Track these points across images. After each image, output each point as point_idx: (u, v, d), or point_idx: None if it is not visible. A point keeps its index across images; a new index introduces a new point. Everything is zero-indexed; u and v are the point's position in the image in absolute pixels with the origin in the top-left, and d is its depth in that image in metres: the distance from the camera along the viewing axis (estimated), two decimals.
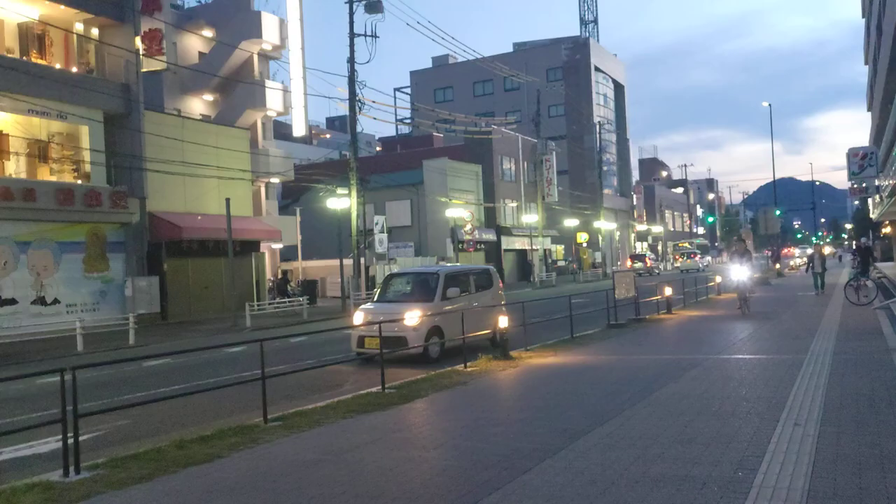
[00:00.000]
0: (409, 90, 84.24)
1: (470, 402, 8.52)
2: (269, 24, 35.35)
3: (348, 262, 31.91)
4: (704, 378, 9.11)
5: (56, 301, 24.05)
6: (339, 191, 31.10)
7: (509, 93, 76.51)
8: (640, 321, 17.38)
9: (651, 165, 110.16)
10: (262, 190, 36.51)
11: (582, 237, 69.13)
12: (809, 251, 37.48)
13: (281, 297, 31.88)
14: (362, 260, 31.46)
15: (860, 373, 8.83)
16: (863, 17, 46.94)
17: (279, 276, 35.78)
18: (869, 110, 47.32)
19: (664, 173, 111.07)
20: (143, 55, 26.49)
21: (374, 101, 31.58)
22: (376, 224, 42.83)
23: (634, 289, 17.77)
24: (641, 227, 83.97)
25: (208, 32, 35.87)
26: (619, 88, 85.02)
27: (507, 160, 57.93)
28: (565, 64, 76.15)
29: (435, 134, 63.59)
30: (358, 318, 13.38)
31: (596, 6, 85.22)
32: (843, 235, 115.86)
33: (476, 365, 11.25)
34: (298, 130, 36.05)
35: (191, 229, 27.81)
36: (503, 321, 11.83)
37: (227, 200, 24.74)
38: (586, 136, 73.80)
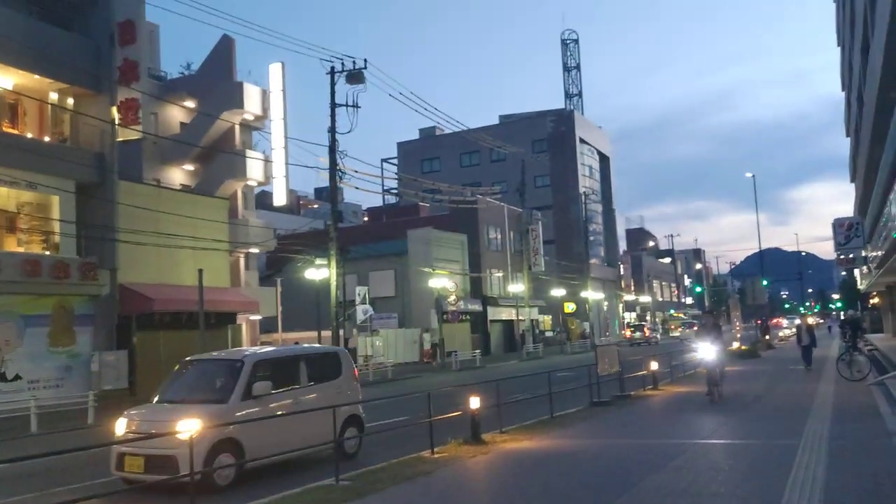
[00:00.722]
0: (396, 161, 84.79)
1: (432, 501, 7.65)
2: (251, 94, 35.31)
3: (329, 334, 31.00)
4: (690, 468, 8.30)
5: (17, 377, 22.96)
6: (318, 261, 30.44)
7: (495, 164, 76.97)
8: (625, 398, 16.53)
9: (638, 235, 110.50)
10: (242, 260, 35.80)
11: (570, 307, 68.48)
12: (798, 321, 34.57)
13: None
14: (341, 332, 30.55)
15: (860, 462, 8.05)
16: (842, 90, 47.65)
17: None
18: (852, 181, 47.55)
19: (651, 243, 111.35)
20: (118, 125, 26.13)
21: (356, 171, 31.39)
22: (358, 295, 42.14)
23: (618, 363, 16.98)
24: (629, 297, 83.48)
25: (190, 103, 35.77)
26: (604, 159, 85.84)
27: (492, 230, 57.69)
28: (550, 136, 76.98)
29: (421, 204, 63.45)
30: (120, 426, 9.48)
31: (580, 80, 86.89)
32: (831, 306, 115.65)
33: (444, 450, 10.37)
34: (279, 200, 35.63)
35: (163, 301, 26.95)
36: (474, 401, 10.99)
37: (200, 271, 23.97)
38: (572, 207, 74.01)
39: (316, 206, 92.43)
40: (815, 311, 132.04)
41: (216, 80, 35.70)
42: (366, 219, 71.86)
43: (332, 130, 30.61)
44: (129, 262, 26.81)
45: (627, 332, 65.80)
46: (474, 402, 10.99)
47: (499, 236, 58.35)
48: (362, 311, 40.94)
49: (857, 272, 58.57)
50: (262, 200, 65.08)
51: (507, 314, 55.60)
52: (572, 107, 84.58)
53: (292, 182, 33.37)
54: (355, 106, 30.62)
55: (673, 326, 77.25)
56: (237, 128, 35.81)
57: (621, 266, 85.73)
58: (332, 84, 30.62)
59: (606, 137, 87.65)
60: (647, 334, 63.19)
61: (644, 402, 16.00)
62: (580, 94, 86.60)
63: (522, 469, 8.93)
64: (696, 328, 25.62)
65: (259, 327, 39.97)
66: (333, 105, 30.57)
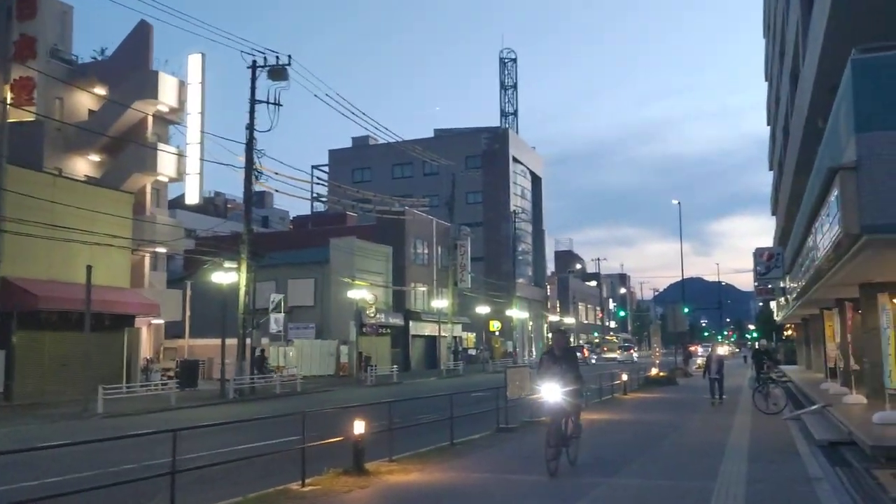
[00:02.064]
0: (327, 168, 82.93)
1: None
2: (167, 84, 33.35)
3: (235, 342, 29.14)
4: None
5: None
6: (227, 264, 28.64)
7: (428, 177, 75.94)
8: (535, 424, 15.44)
9: (566, 258, 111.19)
10: (147, 260, 33.60)
11: (494, 325, 67.80)
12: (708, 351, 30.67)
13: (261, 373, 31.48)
14: (248, 341, 28.75)
15: None
16: (767, 124, 48.51)
17: (258, 353, 33.49)
18: (773, 214, 48.31)
19: (578, 266, 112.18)
20: (10, 104, 23.96)
21: (277, 173, 29.60)
22: (273, 302, 40.26)
23: (530, 386, 15.91)
24: (554, 318, 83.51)
25: (101, 90, 33.55)
26: (536, 180, 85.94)
27: (420, 243, 56.53)
28: (484, 152, 76.53)
29: (348, 213, 61.94)
30: None
31: (517, 99, 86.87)
32: (747, 336, 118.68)
33: (318, 482, 9.04)
34: (192, 198, 33.62)
35: (48, 298, 24.74)
36: (358, 426, 9.68)
37: (88, 268, 22.00)
38: (503, 225, 73.58)
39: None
40: (732, 340, 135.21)
41: (130, 67, 33.61)
42: (290, 227, 69.84)
43: (251, 127, 29.03)
44: (16, 254, 24.58)
45: None
46: (358, 427, 9.69)
47: (426, 250, 57.21)
48: (275, 321, 39.13)
49: (773, 304, 59.75)
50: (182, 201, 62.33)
51: (429, 329, 54.42)
52: (508, 125, 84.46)
53: (220, 184, 31.11)
54: (277, 104, 29.14)
55: (606, 349, 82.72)
56: (150, 119, 33.76)
57: (548, 287, 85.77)
58: (253, 78, 29.07)
59: (539, 158, 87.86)
60: (585, 355, 67.17)
61: None
62: (516, 114, 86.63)
63: None
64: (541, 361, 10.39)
65: (164, 333, 37.73)
66: (253, 100, 29.01)
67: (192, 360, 32.21)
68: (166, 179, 34.40)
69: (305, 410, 10.14)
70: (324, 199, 71.32)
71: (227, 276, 28.37)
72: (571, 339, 67.93)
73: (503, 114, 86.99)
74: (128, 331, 29.17)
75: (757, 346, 26.42)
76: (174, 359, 34.26)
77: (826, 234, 12.37)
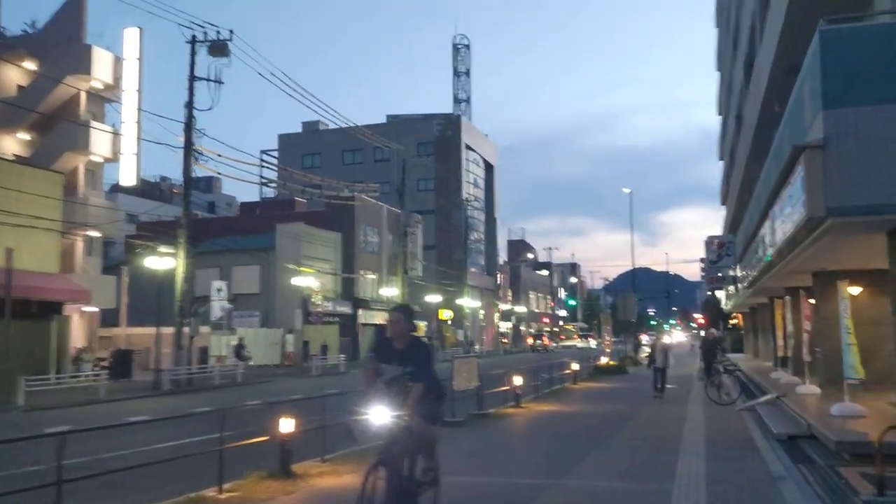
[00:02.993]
0: (276, 153, 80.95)
1: None
2: (101, 60, 31.62)
3: (172, 331, 27.76)
4: None
5: None
6: (163, 249, 27.22)
7: (379, 163, 74.69)
8: (483, 417, 14.74)
9: (518, 247, 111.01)
10: (79, 245, 31.88)
11: (445, 314, 67.11)
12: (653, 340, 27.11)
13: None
14: (185, 329, 27.41)
15: None
16: (718, 114, 48.67)
17: (237, 341, 34.26)
18: (723, 204, 48.54)
19: (530, 255, 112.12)
20: None
21: (220, 155, 28.17)
22: (218, 290, 38.83)
23: (478, 377, 15.18)
24: (505, 307, 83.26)
25: (31, 64, 31.64)
26: (489, 168, 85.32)
27: (370, 230, 55.41)
28: (437, 139, 75.57)
29: (297, 199, 60.44)
30: None
31: (469, 86, 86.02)
32: (692, 325, 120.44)
33: (238, 487, 8.09)
34: (128, 180, 31.90)
35: None
36: (286, 423, 8.73)
37: (9, 251, 20.49)
38: (454, 213, 72.80)
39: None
40: (678, 329, 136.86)
41: (62, 41, 31.79)
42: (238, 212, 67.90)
43: (190, 105, 27.56)
44: None
45: (530, 341, 77.84)
46: (286, 425, 8.75)
47: (376, 237, 56.13)
48: (219, 308, 37.72)
49: (719, 293, 60.28)
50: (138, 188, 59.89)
51: (379, 318, 53.34)
52: (461, 112, 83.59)
53: (166, 169, 29.35)
54: (217, 81, 27.70)
55: (564, 337, 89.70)
56: (83, 96, 31.97)
57: (500, 276, 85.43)
58: (192, 53, 27.60)
59: (492, 146, 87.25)
60: (546, 343, 74.61)
61: (502, 422, 14.24)
62: (469, 101, 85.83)
63: None
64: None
65: (101, 321, 36.02)
66: (192, 77, 27.54)
67: (126, 350, 30.66)
68: (101, 160, 32.68)
69: (225, 407, 9.14)
70: (272, 184, 69.59)
71: (163, 261, 26.96)
72: (425, 325, 58.59)
73: (456, 101, 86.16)
74: (56, 319, 27.56)
75: (706, 336, 25.68)
76: (109, 348, 32.63)
77: (787, 218, 11.82)
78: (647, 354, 22.35)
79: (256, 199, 75.47)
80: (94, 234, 32.05)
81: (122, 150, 31.58)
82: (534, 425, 13.96)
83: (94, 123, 31.43)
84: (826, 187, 9.48)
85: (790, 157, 10.37)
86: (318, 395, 10.68)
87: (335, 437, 11.67)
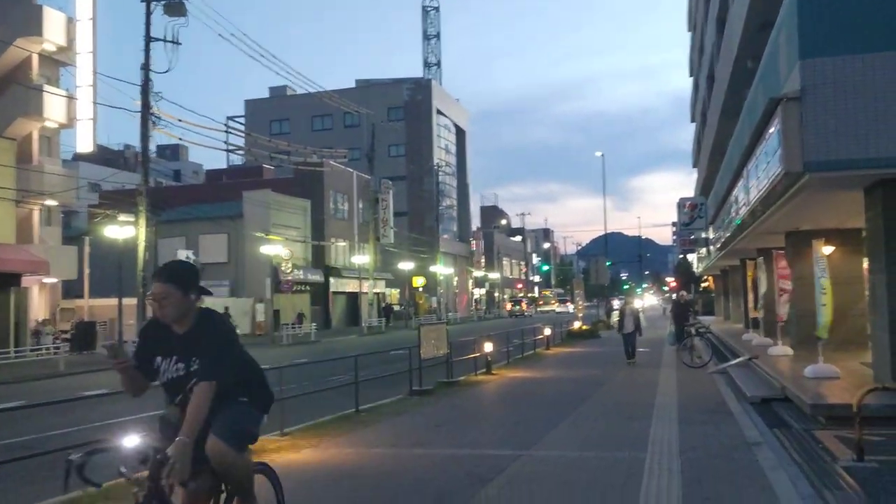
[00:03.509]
0: (244, 120, 79.27)
1: None
2: (52, 20, 30.27)
3: (134, 302, 27.01)
4: (513, 494, 6.10)
5: None
6: (123, 218, 26.36)
7: (349, 129, 73.52)
8: (452, 385, 14.39)
9: (491, 213, 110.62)
10: (36, 214, 30.83)
11: (418, 281, 66.75)
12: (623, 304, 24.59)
13: None
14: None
15: (723, 489, 6.12)
16: (690, 75, 48.26)
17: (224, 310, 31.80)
18: (695, 166, 48.42)
19: (503, 221, 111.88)
20: None
21: (181, 120, 27.17)
22: (187, 259, 37.96)
23: (447, 345, 14.78)
24: (479, 273, 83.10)
25: None
26: (460, 133, 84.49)
27: (340, 197, 54.57)
28: (407, 104, 74.50)
29: (265, 166, 59.35)
30: None
31: (440, 50, 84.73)
32: (664, 288, 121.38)
33: None
34: (85, 146, 30.77)
35: None
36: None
37: None
38: (426, 179, 72.07)
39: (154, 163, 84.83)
40: (663, 290, 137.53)
41: (11, 1, 30.30)
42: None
43: (146, 67, 26.50)
44: None
45: (508, 306, 79.49)
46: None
47: (346, 204, 55.32)
48: None
49: (691, 256, 60.54)
50: (102, 156, 58.51)
51: (352, 286, 52.85)
52: (431, 76, 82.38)
53: (132, 137, 27.94)
54: (175, 42, 26.65)
55: (542, 302, 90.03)
56: (35, 59, 30.64)
57: (473, 242, 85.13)
58: (148, 13, 26.49)
59: (464, 111, 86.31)
60: (524, 308, 75.25)
61: (471, 390, 13.89)
62: (439, 65, 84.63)
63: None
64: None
65: (62, 293, 35.09)
66: (148, 37, 26.45)
67: (89, 322, 29.89)
68: (56, 125, 31.47)
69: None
70: (238, 151, 68.20)
71: (123, 230, 26.12)
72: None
73: (426, 65, 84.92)
74: (14, 291, 26.70)
75: (677, 299, 25.11)
76: (71, 321, 31.80)
77: (762, 176, 11.46)
78: (616, 320, 20.88)
79: (224, 167, 73.96)
80: (52, 202, 30.96)
81: (78, 115, 30.46)
82: (504, 393, 13.63)
83: (47, 87, 30.19)
84: (803, 141, 9.10)
85: (766, 110, 9.96)
86: (276, 366, 10.18)
87: (296, 409, 11.28)
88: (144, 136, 26.62)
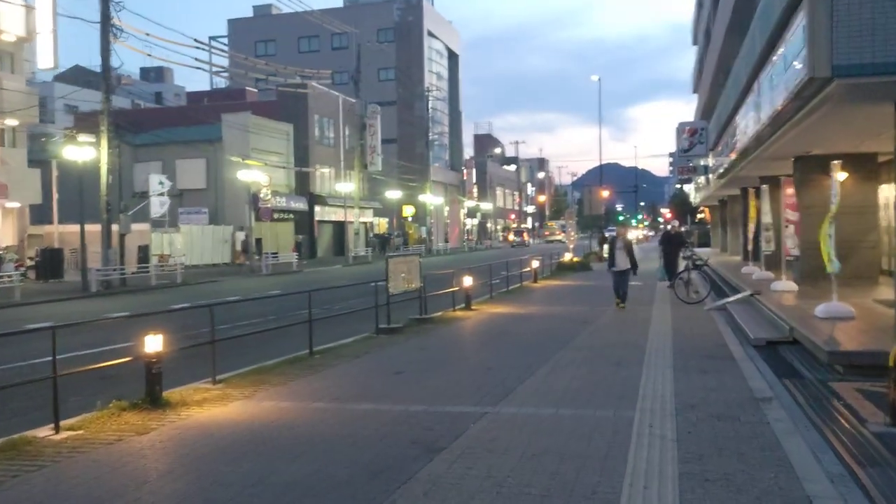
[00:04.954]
0: (227, 40, 76.11)
1: None
2: None
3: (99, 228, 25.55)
4: (466, 471, 4.83)
5: None
6: (82, 138, 24.64)
7: (337, 51, 70.57)
8: (425, 322, 13.12)
9: (485, 141, 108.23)
10: None
11: (408, 210, 65.24)
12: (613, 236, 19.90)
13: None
14: (114, 227, 25.21)
15: (729, 466, 4.87)
16: None
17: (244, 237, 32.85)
18: (695, 91, 46.45)
19: (497, 150, 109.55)
20: None
21: (148, 34, 25.17)
22: (160, 183, 36.44)
23: (420, 278, 13.45)
24: (471, 203, 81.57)
25: None
26: (453, 57, 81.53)
27: (325, 122, 52.49)
28: (397, 25, 71.45)
29: (249, 89, 57.06)
30: None
31: None
32: (659, 220, 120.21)
33: (84, 424, 6.33)
34: (45, 62, 28.72)
35: None
36: (153, 341, 6.89)
37: None
38: (417, 104, 69.63)
39: (131, 84, 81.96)
40: (658, 222, 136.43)
41: None
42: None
43: None
44: None
45: (510, 237, 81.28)
46: (152, 343, 6.92)
47: (331, 129, 53.28)
48: (159, 203, 35.44)
49: (688, 187, 59.01)
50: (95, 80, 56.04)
51: (338, 215, 51.33)
52: None
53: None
54: None
55: (547, 233, 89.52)
56: None
57: (465, 171, 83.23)
58: None
59: (456, 33, 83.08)
60: (525, 239, 77.60)
61: (445, 328, 12.62)
62: None
63: (174, 475, 5.10)
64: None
65: (29, 218, 33.54)
66: None
67: (56, 249, 28.49)
68: (12, 38, 29.29)
69: (108, 316, 7.29)
70: (222, 73, 65.57)
71: (82, 151, 24.44)
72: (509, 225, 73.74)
73: None
74: None
75: (667, 231, 22.24)
76: (39, 248, 30.37)
77: (777, 86, 9.92)
78: (607, 254, 17.73)
79: (204, 90, 71.33)
80: (11, 122, 29.09)
81: (39, 28, 28.34)
82: (481, 332, 12.39)
83: None
84: (833, 39, 7.55)
85: (789, 4, 8.35)
86: (215, 301, 8.87)
87: (245, 350, 10.05)
88: (105, 49, 24.65)
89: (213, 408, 6.97)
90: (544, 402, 6.94)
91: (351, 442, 5.72)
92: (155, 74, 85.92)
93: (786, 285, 14.80)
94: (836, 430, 5.81)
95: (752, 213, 20.08)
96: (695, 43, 45.02)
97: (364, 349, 10.37)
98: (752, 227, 20.30)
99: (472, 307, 15.33)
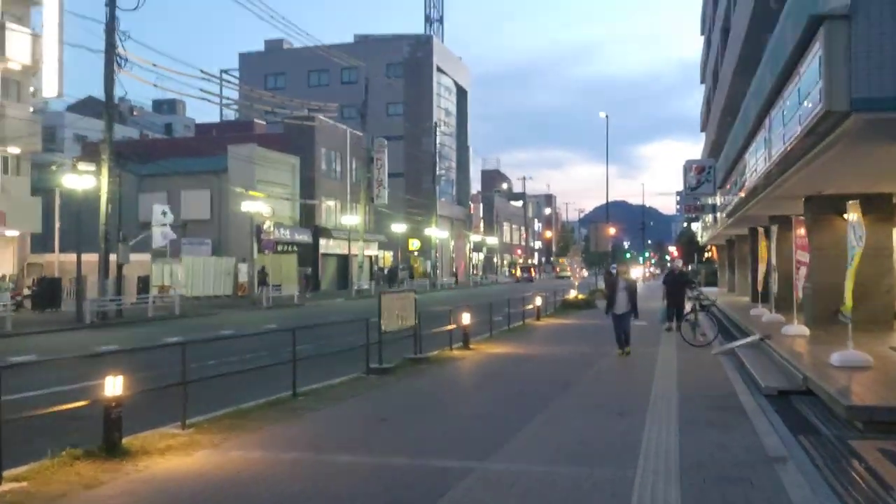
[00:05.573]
0: (237, 73, 76.67)
1: None
2: None
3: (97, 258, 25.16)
4: None
5: None
6: (82, 167, 24.39)
7: (346, 86, 70.81)
8: (419, 362, 12.55)
9: (492, 177, 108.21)
10: None
11: (413, 244, 64.89)
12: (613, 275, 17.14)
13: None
14: (112, 256, 24.82)
15: None
16: (702, 33, 45.77)
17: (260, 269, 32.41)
18: (703, 130, 46.17)
19: (505, 185, 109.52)
20: None
21: (156, 65, 25.07)
22: (163, 213, 36.10)
23: (415, 316, 12.91)
24: (476, 238, 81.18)
25: None
26: (462, 93, 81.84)
27: (332, 155, 52.41)
28: (407, 61, 71.85)
29: (257, 121, 57.19)
30: None
31: (442, 5, 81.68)
32: (667, 258, 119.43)
33: (33, 474, 5.78)
34: (50, 91, 28.60)
35: None
36: (112, 384, 6.37)
37: None
38: (424, 139, 69.64)
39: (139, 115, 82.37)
40: (665, 260, 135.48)
41: None
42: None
43: (111, 4, 24.35)
44: None
45: (518, 272, 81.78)
46: (111, 386, 6.39)
47: (338, 162, 53.18)
48: (160, 235, 35.06)
49: (695, 226, 58.44)
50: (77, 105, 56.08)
51: (342, 248, 50.95)
52: (433, 33, 79.51)
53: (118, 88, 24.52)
54: None
55: (558, 269, 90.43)
56: None
57: (472, 206, 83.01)
58: None
59: (466, 69, 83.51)
60: (532, 274, 79.54)
61: (438, 370, 12.04)
62: (441, 21, 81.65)
63: None
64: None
65: (30, 246, 33.24)
66: None
67: (54, 279, 28.09)
68: (18, 67, 29.27)
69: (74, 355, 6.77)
70: (231, 105, 65.81)
71: (82, 180, 24.16)
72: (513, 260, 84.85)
73: (428, 20, 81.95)
74: None
75: (673, 269, 20.98)
76: (37, 277, 29.99)
77: (789, 122, 9.47)
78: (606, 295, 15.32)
79: (217, 121, 71.64)
80: (13, 150, 28.93)
81: (45, 57, 28.30)
82: (476, 374, 11.81)
83: (10, 25, 28.01)
84: (852, 70, 7.10)
85: (806, 30, 7.91)
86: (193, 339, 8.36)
87: (226, 392, 9.49)
88: (109, 78, 24.51)
89: (175, 457, 6.41)
90: (538, 457, 6.36)
91: (320, 502, 5.16)
92: (167, 106, 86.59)
93: (797, 329, 14.19)
94: (859, 499, 5.21)
95: (763, 252, 19.52)
96: (702, 81, 44.86)
97: (351, 392, 9.81)
98: (762, 267, 19.74)
99: (471, 346, 14.76)
